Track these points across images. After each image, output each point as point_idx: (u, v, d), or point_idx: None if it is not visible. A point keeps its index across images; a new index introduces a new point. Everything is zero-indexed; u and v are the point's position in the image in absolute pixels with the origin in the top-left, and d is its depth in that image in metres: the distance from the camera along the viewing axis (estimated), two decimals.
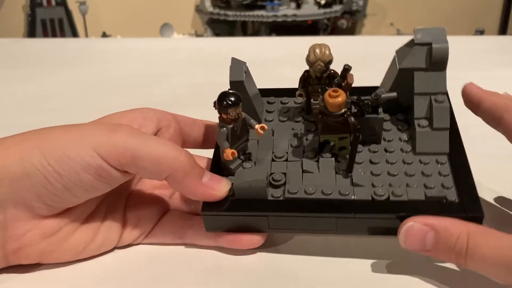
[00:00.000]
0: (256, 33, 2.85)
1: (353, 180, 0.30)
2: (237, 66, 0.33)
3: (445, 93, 0.32)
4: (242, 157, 0.32)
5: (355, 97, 0.31)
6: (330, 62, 0.33)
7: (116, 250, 0.32)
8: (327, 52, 0.32)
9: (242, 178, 0.30)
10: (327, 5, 2.74)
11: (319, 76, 0.33)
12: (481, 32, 2.90)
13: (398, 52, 0.33)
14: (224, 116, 0.30)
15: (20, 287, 0.29)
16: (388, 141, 0.33)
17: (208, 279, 0.29)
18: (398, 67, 0.32)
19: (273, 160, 0.32)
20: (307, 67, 0.34)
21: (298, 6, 2.71)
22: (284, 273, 0.30)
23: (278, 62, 0.79)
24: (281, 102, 0.37)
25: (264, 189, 0.29)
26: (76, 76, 0.75)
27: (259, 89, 0.36)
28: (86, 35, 2.84)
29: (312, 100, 0.34)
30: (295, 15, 2.67)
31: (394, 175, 0.30)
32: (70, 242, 0.29)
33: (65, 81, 0.72)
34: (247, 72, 0.34)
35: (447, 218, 0.27)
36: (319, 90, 0.32)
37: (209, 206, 0.30)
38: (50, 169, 0.27)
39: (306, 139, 0.33)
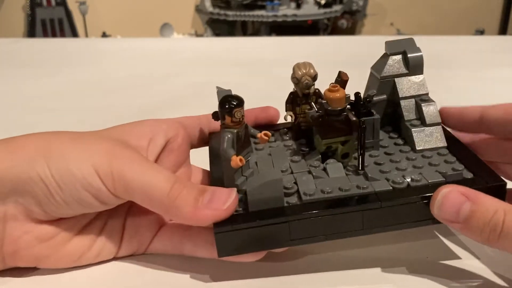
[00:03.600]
0: (256, 33, 2.85)
1: (369, 175, 0.29)
2: (224, 93, 0.33)
3: (427, 93, 0.34)
4: (245, 173, 0.30)
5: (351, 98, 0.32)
6: (315, 77, 0.33)
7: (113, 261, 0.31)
8: (312, 70, 0.33)
9: (256, 182, 0.27)
10: (327, 5, 2.74)
11: (306, 94, 0.34)
12: (481, 32, 2.90)
13: (374, 67, 0.35)
14: (229, 120, 0.29)
15: None
16: (385, 147, 0.33)
17: (207, 285, 0.29)
18: (379, 77, 0.34)
19: None
20: None
21: (298, 6, 2.71)
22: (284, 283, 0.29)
23: (278, 62, 0.79)
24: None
25: (279, 193, 0.28)
26: (76, 76, 0.75)
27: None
28: (86, 35, 2.84)
29: (300, 120, 0.34)
30: (295, 15, 2.67)
31: (404, 169, 0.30)
32: (66, 248, 0.29)
33: (65, 81, 0.72)
34: None
35: (483, 193, 0.26)
36: (307, 110, 0.33)
37: (222, 223, 0.27)
38: (52, 180, 0.27)
39: (306, 154, 0.33)
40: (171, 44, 1.07)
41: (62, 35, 2.68)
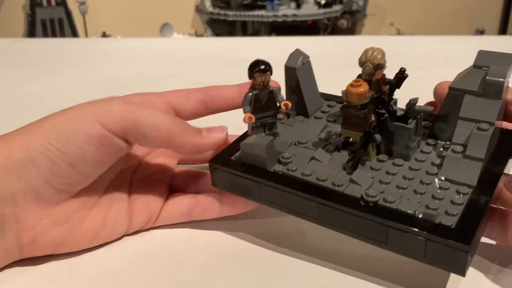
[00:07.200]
0: (256, 33, 2.85)
1: (352, 177, 0.29)
2: (296, 55, 0.35)
3: (493, 123, 0.29)
4: (267, 132, 0.33)
5: (382, 96, 0.30)
6: (380, 66, 0.31)
7: (124, 240, 0.32)
8: (379, 56, 0.31)
9: (253, 140, 0.31)
10: (327, 5, 2.74)
11: (369, 80, 0.31)
12: (481, 32, 2.90)
13: (459, 75, 0.31)
14: (251, 81, 0.32)
15: (33, 280, 0.29)
16: (420, 161, 0.30)
17: (213, 265, 0.30)
18: (449, 85, 0.30)
19: (294, 144, 0.33)
20: None
21: (298, 6, 2.71)
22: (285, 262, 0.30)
23: (278, 62, 0.79)
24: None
25: (264, 157, 0.31)
26: (76, 76, 0.75)
27: (322, 93, 0.37)
28: (86, 35, 2.84)
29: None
30: (295, 15, 2.67)
31: (403, 188, 0.28)
32: (81, 229, 0.30)
33: (65, 81, 0.72)
34: (307, 65, 0.35)
35: None
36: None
37: (216, 160, 0.32)
38: (53, 148, 0.27)
39: (335, 137, 0.33)
40: (171, 44, 1.07)
41: (62, 35, 2.68)
